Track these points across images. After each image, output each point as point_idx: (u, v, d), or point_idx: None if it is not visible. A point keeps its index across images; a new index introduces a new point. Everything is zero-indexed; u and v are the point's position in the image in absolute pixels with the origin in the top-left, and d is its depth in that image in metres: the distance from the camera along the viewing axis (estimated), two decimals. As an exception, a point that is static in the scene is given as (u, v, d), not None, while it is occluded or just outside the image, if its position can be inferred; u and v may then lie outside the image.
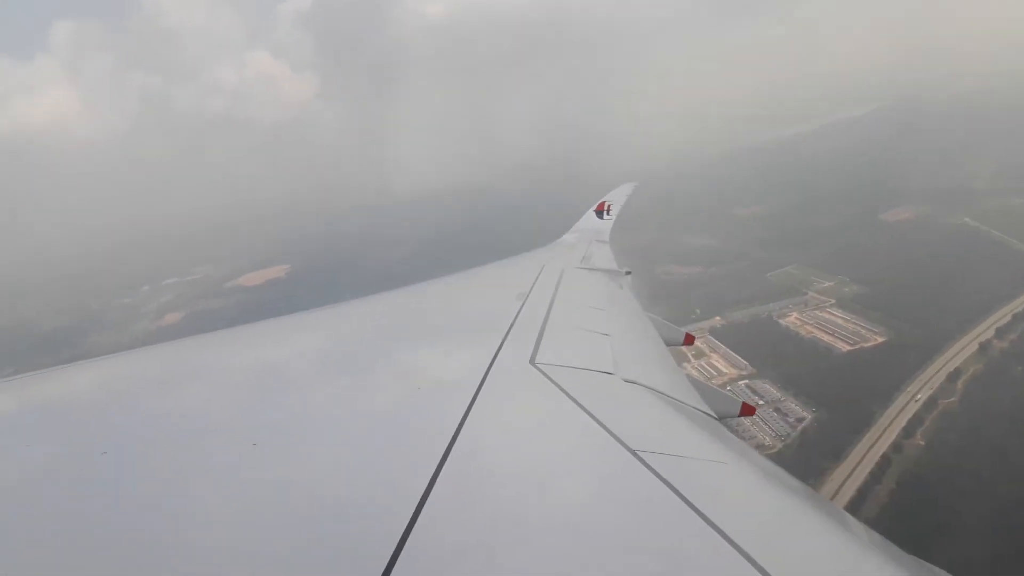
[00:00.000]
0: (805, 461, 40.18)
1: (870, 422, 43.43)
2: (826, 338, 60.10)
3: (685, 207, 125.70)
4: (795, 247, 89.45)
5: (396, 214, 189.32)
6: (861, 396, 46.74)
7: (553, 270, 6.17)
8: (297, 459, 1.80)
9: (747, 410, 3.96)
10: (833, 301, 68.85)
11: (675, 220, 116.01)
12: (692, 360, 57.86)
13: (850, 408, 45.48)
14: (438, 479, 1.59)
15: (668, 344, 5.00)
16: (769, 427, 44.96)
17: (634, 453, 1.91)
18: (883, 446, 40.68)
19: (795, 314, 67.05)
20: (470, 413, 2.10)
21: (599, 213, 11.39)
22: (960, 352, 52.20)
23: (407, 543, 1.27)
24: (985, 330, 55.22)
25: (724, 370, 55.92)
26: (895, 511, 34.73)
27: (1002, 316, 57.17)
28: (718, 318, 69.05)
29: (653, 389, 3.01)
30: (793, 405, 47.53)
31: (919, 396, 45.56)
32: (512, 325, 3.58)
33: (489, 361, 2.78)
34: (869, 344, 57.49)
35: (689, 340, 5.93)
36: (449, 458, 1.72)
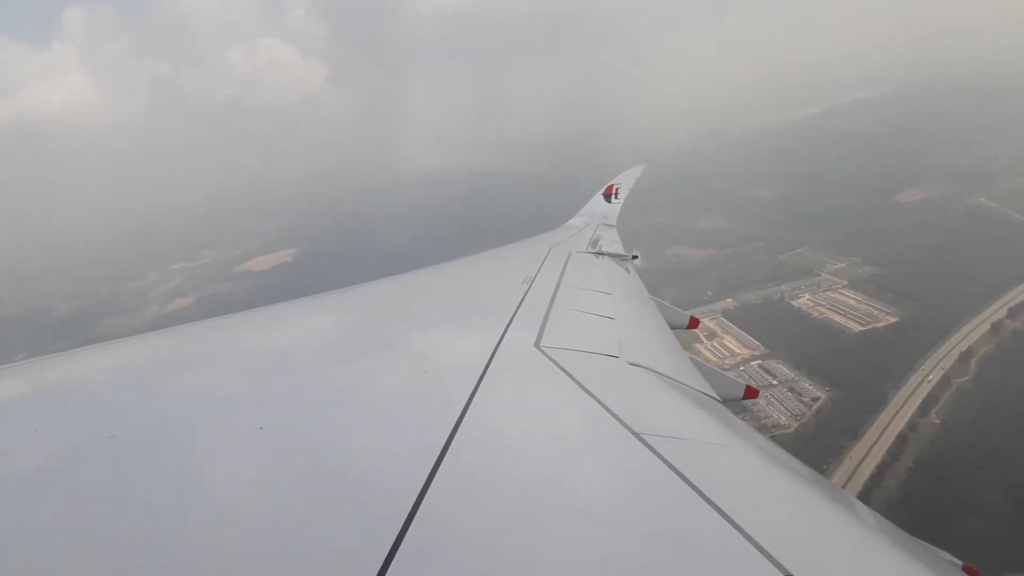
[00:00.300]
0: (822, 440, 40.44)
1: (884, 401, 43.54)
2: (838, 319, 60.00)
3: (696, 189, 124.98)
4: (807, 228, 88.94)
5: (403, 197, 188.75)
6: (875, 376, 46.80)
7: (559, 254, 6.20)
8: (303, 443, 1.81)
9: (751, 393, 3.97)
10: (846, 282, 68.59)
11: (686, 202, 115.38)
12: (705, 341, 58.07)
13: (864, 388, 45.56)
14: (443, 462, 1.58)
15: (674, 327, 5.05)
16: (784, 407, 45.14)
17: (638, 436, 1.92)
18: (899, 425, 40.82)
19: (807, 295, 66.85)
20: (475, 396, 2.10)
21: (607, 196, 11.33)
22: (972, 332, 52.10)
23: (412, 525, 1.27)
24: (997, 310, 55.04)
25: (737, 351, 56.04)
26: (913, 488, 34.97)
27: (1015, 296, 56.89)
28: (730, 300, 68.98)
29: (658, 372, 3.02)
30: (807, 385, 47.65)
31: (931, 377, 45.59)
32: (518, 309, 3.59)
33: (495, 345, 2.78)
34: (881, 324, 57.42)
35: (694, 323, 5.99)
36: (454, 441, 1.72)
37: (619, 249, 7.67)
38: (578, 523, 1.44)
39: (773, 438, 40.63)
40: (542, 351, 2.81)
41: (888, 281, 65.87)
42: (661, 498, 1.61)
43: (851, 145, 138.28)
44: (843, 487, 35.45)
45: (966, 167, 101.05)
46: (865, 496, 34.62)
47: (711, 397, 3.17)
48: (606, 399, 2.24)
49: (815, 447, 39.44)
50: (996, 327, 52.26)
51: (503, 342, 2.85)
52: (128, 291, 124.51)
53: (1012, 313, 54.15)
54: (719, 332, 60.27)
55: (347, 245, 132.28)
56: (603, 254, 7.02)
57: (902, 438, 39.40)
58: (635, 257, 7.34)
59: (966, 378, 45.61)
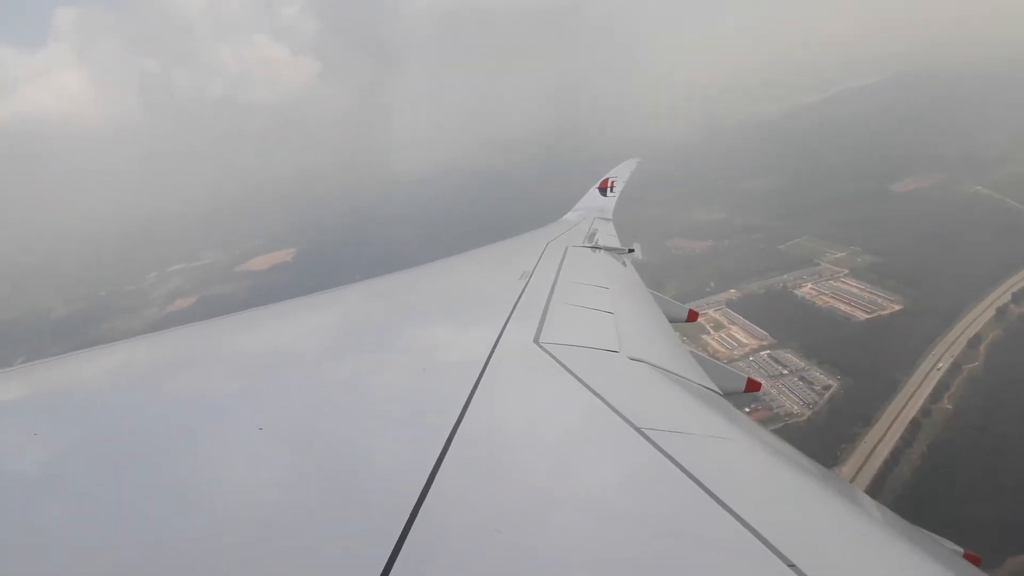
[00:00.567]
0: (835, 427, 40.79)
1: (896, 388, 43.91)
2: (843, 307, 60.41)
3: (692, 181, 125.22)
4: (805, 219, 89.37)
5: (401, 194, 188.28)
6: (884, 363, 47.17)
7: (556, 249, 6.16)
8: (303, 443, 1.80)
9: (752, 386, 3.93)
10: (847, 271, 69.06)
11: (683, 194, 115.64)
12: (712, 332, 58.33)
13: (874, 375, 45.95)
14: (444, 460, 1.58)
15: (672, 321, 5.07)
16: (797, 395, 45.44)
17: (640, 431, 1.92)
18: (911, 411, 41.21)
19: (810, 285, 67.27)
20: (475, 394, 2.09)
21: (602, 190, 11.35)
22: (978, 318, 52.61)
23: (414, 524, 1.27)
24: (1001, 295, 55.57)
25: (745, 341, 56.26)
26: (928, 473, 35.34)
27: (1017, 281, 57.39)
28: (733, 290, 69.25)
29: (658, 367, 3.01)
30: (818, 373, 47.97)
31: (940, 365, 45.97)
32: (516, 305, 3.56)
33: (493, 341, 2.76)
34: (886, 312, 57.91)
35: (693, 317, 6.01)
36: (455, 439, 1.71)
37: (616, 243, 7.69)
38: (581, 520, 1.44)
39: (787, 426, 41.08)
40: (541, 347, 2.79)
41: (889, 269, 66.36)
42: (664, 493, 1.62)
43: (846, 135, 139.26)
44: (857, 473, 35.94)
45: (960, 155, 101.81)
46: (880, 481, 35.06)
47: (712, 391, 3.18)
48: (607, 394, 2.23)
49: (828, 435, 39.81)
50: (1001, 312, 52.80)
51: (502, 338, 2.83)
52: (127, 293, 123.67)
53: (1016, 298, 54.72)
54: (725, 323, 60.49)
55: (346, 243, 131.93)
56: (600, 248, 7.03)
57: (915, 424, 39.81)
58: (632, 251, 7.33)
59: (976, 364, 46.08)
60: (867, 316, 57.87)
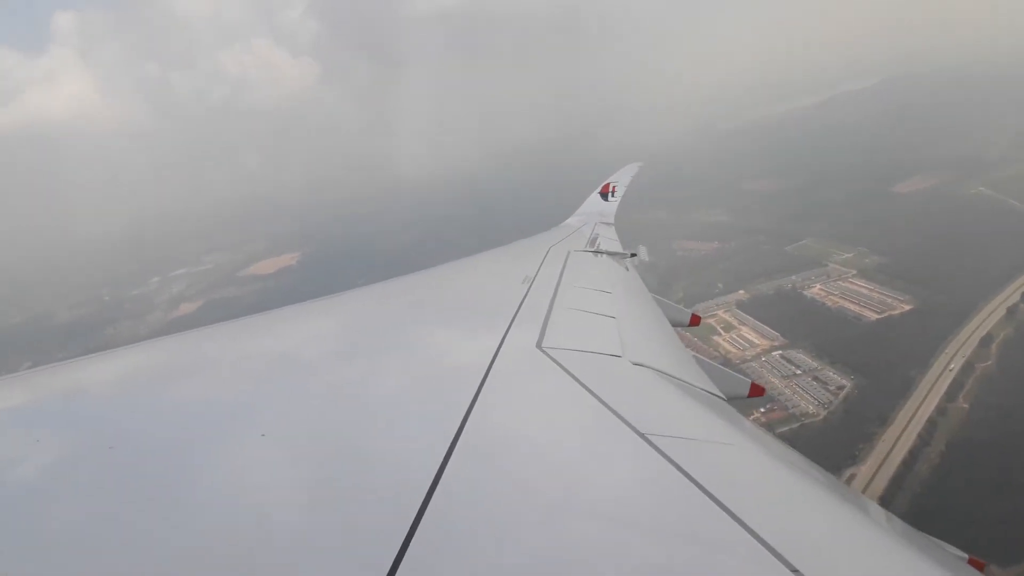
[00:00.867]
0: (851, 427, 40.77)
1: (910, 387, 43.97)
2: (854, 307, 60.41)
3: (695, 184, 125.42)
4: (810, 220, 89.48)
5: (405, 199, 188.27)
6: (897, 363, 47.17)
7: (558, 253, 6.20)
8: (309, 446, 1.82)
9: (756, 391, 3.90)
10: (855, 272, 69.01)
11: (686, 197, 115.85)
12: (723, 333, 58.38)
13: (888, 375, 45.97)
14: (448, 464, 1.59)
15: (674, 325, 5.10)
16: (811, 396, 45.42)
17: (644, 436, 1.92)
18: (927, 410, 41.26)
19: (819, 285, 67.31)
20: (478, 399, 2.09)
21: (604, 195, 11.39)
22: (988, 317, 52.67)
23: (419, 529, 1.29)
24: (1011, 294, 55.57)
25: (756, 342, 56.23)
26: (946, 473, 35.42)
27: (1026, 282, 57.47)
28: (742, 292, 69.20)
29: (661, 371, 3.01)
30: (831, 373, 47.95)
31: (952, 366, 45.96)
32: (518, 309, 3.57)
33: (496, 346, 2.77)
34: (897, 312, 57.89)
35: (695, 321, 6.03)
36: (459, 444, 1.72)
37: (617, 247, 7.71)
38: (585, 524, 1.45)
39: (803, 426, 41.16)
40: (544, 352, 2.79)
41: (896, 270, 66.38)
42: (668, 498, 1.63)
43: (847, 136, 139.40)
44: (877, 472, 36.05)
45: (960, 156, 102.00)
46: (897, 482, 35.12)
47: (716, 396, 3.18)
48: (610, 399, 2.23)
49: (846, 434, 39.84)
50: (1012, 312, 52.86)
51: (505, 343, 2.84)
52: (131, 298, 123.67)
53: (1026, 297, 54.78)
54: (735, 324, 60.45)
55: (350, 247, 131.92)
56: (602, 252, 7.04)
57: (932, 423, 39.86)
58: (634, 255, 7.35)
59: (988, 363, 46.12)
60: (878, 316, 57.88)
